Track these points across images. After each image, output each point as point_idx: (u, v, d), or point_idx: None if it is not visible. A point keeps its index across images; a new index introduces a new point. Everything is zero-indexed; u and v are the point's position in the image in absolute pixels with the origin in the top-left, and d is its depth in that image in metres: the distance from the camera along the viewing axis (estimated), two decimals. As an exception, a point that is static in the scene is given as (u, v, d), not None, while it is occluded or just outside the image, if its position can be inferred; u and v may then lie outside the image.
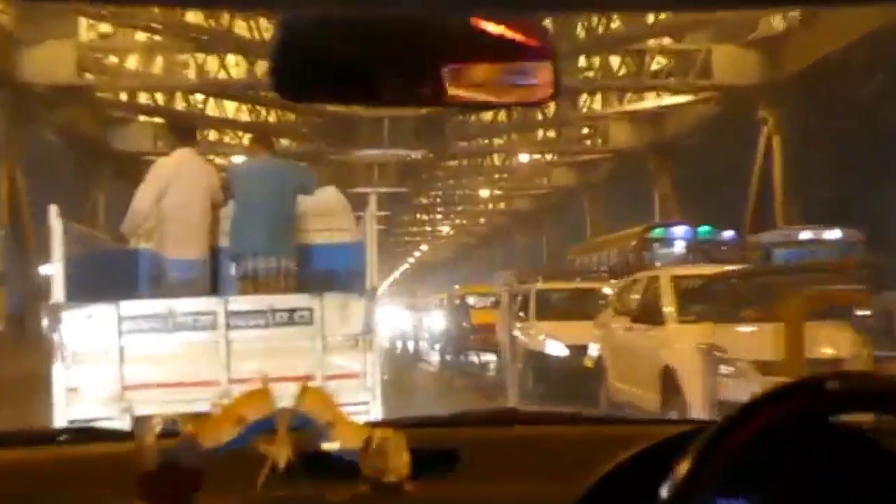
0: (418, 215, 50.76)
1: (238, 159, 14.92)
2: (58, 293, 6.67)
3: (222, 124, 30.93)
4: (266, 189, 7.42)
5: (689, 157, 28.45)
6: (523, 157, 35.69)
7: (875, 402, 1.20)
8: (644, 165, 29.60)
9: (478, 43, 1.47)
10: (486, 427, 1.98)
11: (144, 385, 6.60)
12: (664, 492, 1.13)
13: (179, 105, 28.48)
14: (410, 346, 28.86)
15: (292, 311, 6.82)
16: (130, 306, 6.71)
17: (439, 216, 52.70)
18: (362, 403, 6.62)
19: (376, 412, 6.62)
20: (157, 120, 28.52)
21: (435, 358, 25.31)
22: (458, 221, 54.60)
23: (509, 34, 1.48)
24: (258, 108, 29.81)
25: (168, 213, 7.29)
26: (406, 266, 71.42)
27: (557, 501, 1.45)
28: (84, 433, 1.90)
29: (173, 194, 7.28)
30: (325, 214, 7.91)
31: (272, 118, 31.06)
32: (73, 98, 23.61)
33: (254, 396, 1.63)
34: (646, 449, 1.43)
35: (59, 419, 6.41)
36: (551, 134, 32.79)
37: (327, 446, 1.59)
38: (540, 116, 28.89)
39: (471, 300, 24.22)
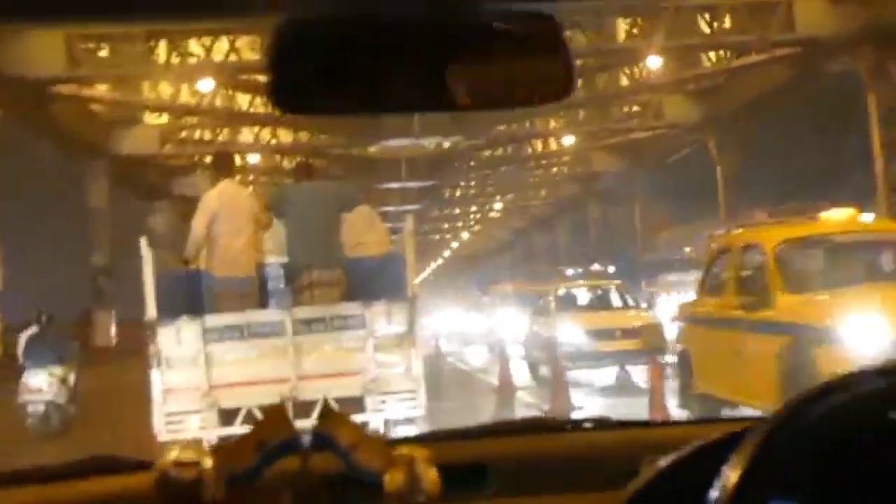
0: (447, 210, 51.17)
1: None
2: (151, 310, 8.38)
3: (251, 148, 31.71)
4: (316, 209, 8.86)
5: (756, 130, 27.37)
6: (566, 140, 35.40)
7: None
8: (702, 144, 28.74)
9: (485, 41, 1.50)
10: (514, 437, 2.03)
11: (227, 385, 8.31)
12: (713, 495, 1.14)
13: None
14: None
15: (346, 317, 8.52)
16: (212, 319, 8.42)
17: (472, 209, 52.94)
18: (409, 391, 8.36)
19: (421, 399, 8.37)
20: (162, 121, 29.42)
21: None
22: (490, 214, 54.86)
23: (518, 30, 1.51)
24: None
25: (218, 238, 8.76)
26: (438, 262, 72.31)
27: None
28: (104, 465, 1.97)
29: (220, 222, 8.76)
30: (363, 230, 9.41)
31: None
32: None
33: (273, 419, 1.69)
34: (692, 450, 1.44)
35: (158, 414, 8.25)
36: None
37: (350, 469, 1.63)
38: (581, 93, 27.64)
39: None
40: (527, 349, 19.63)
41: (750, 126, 27.89)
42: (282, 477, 1.65)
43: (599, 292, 20.13)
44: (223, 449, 1.68)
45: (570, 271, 32.71)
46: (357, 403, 8.12)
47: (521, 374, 17.38)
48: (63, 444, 12.54)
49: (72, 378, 14.59)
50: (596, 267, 32.41)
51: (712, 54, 26.45)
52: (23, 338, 14.82)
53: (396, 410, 8.35)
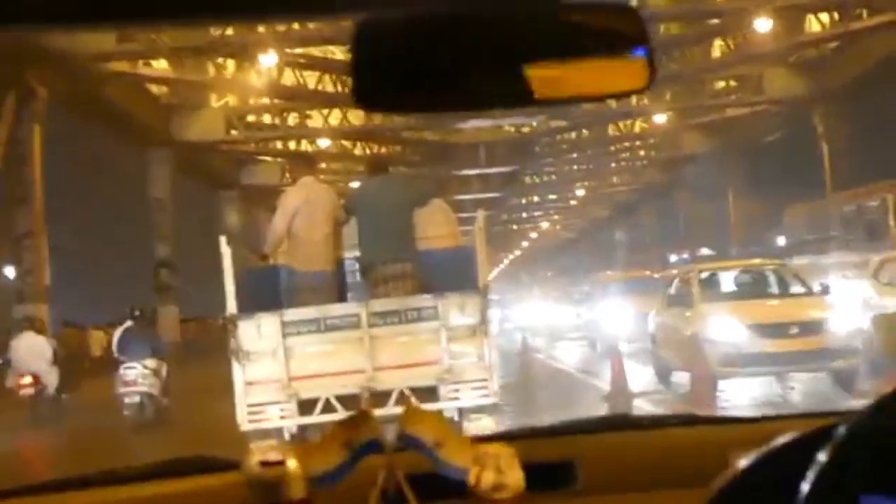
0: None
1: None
2: (231, 306, 9.04)
3: (323, 133, 31.95)
4: (389, 205, 9.32)
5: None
6: (655, 120, 35.05)
7: None
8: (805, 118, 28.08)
9: (565, 35, 1.57)
10: (601, 434, 2.10)
11: (306, 376, 8.93)
12: (804, 489, 1.15)
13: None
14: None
15: (420, 309, 9.04)
16: (291, 313, 9.02)
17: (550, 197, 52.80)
18: (482, 380, 8.93)
19: (494, 387, 8.95)
20: (227, 105, 29.73)
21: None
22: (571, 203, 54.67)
23: (598, 23, 1.58)
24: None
25: (298, 233, 9.35)
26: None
27: None
28: (193, 464, 2.08)
29: (301, 218, 9.34)
30: (435, 224, 9.94)
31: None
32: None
33: (358, 420, 1.77)
34: (779, 446, 1.50)
35: (241, 405, 8.88)
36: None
37: (436, 466, 1.71)
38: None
39: None
40: (654, 348, 16.79)
41: (864, 97, 27.23)
42: (367, 475, 1.73)
43: (756, 276, 16.12)
44: (309, 448, 1.75)
45: (675, 257, 31.71)
46: (431, 393, 8.73)
47: (637, 377, 15.30)
48: (162, 432, 14.36)
49: (164, 371, 15.82)
50: (706, 252, 31.52)
51: (815, 22, 25.98)
52: (117, 333, 16.26)
53: (469, 398, 8.93)
